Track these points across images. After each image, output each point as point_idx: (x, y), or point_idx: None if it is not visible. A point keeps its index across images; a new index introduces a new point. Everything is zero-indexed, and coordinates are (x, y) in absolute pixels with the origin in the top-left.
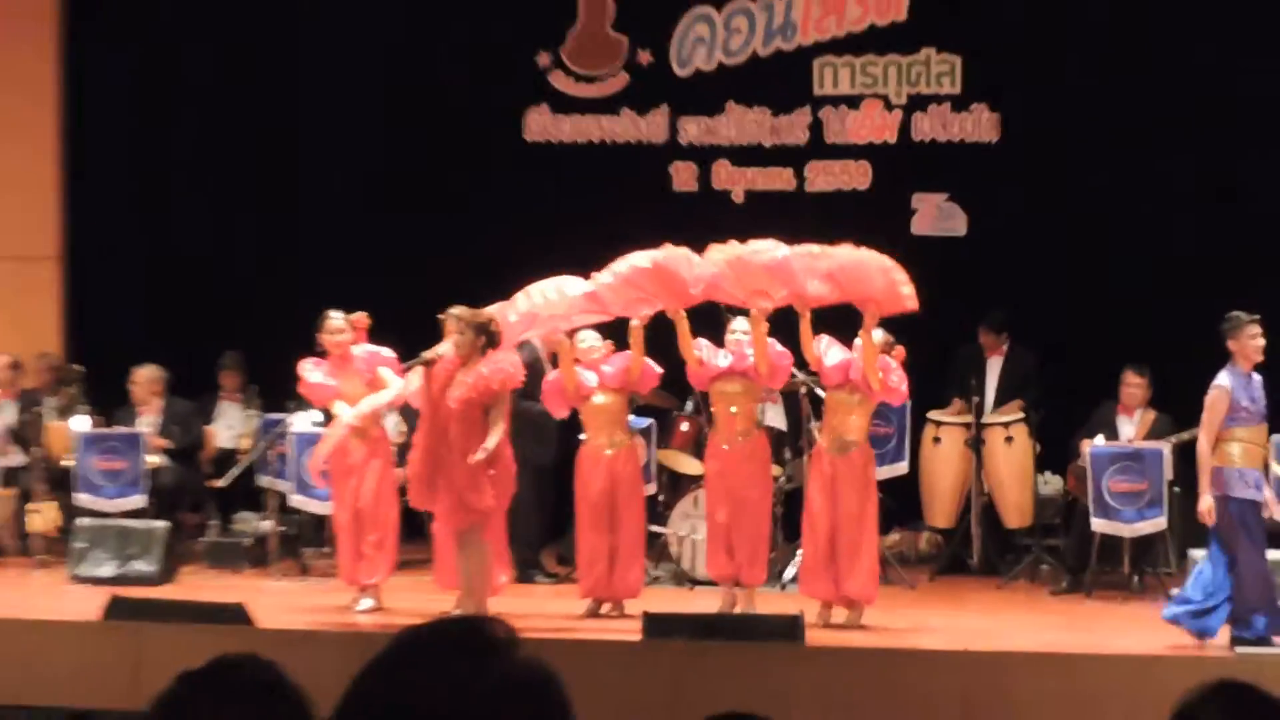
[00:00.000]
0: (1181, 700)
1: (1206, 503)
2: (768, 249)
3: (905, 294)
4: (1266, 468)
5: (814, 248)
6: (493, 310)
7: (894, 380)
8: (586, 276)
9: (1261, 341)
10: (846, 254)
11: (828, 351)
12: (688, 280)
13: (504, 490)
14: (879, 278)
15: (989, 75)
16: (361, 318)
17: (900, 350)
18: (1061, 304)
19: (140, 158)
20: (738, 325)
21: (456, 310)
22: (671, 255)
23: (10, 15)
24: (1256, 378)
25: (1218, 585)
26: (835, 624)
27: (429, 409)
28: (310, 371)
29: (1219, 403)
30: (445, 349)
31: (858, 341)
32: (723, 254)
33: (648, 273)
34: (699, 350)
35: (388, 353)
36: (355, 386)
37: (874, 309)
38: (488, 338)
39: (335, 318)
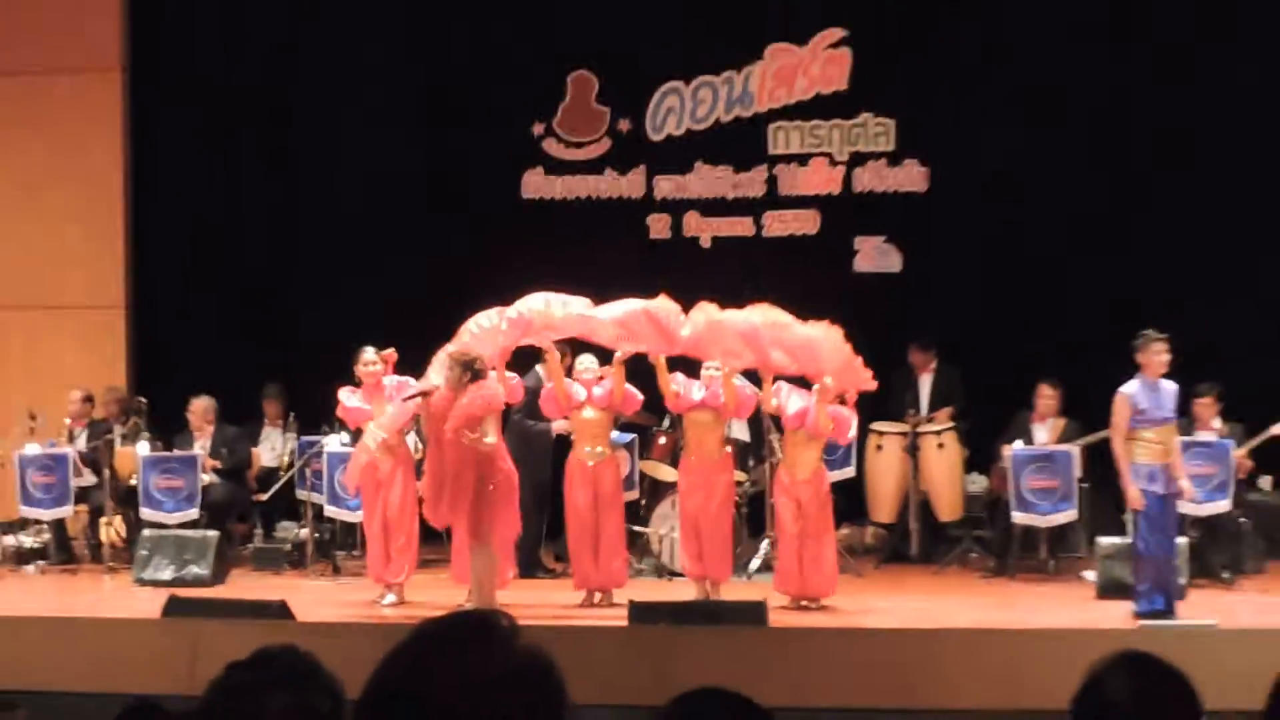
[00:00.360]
0: (1091, 668)
1: (1133, 492)
2: (743, 318)
3: (863, 376)
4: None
5: (784, 318)
6: (489, 315)
7: (845, 428)
8: None
9: (1166, 357)
10: (809, 332)
11: (789, 399)
12: (673, 334)
13: (508, 501)
14: (835, 357)
15: (919, 134)
16: (391, 353)
17: (853, 396)
18: (983, 327)
19: (196, 214)
20: (711, 362)
21: (449, 350)
22: (664, 308)
23: (78, 73)
24: (1166, 386)
25: None
26: (801, 606)
27: (432, 439)
28: (348, 398)
29: (1120, 407)
30: (437, 380)
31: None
32: (705, 315)
33: (641, 318)
34: (676, 385)
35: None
36: (385, 411)
37: (825, 389)
38: (473, 373)
39: (369, 352)
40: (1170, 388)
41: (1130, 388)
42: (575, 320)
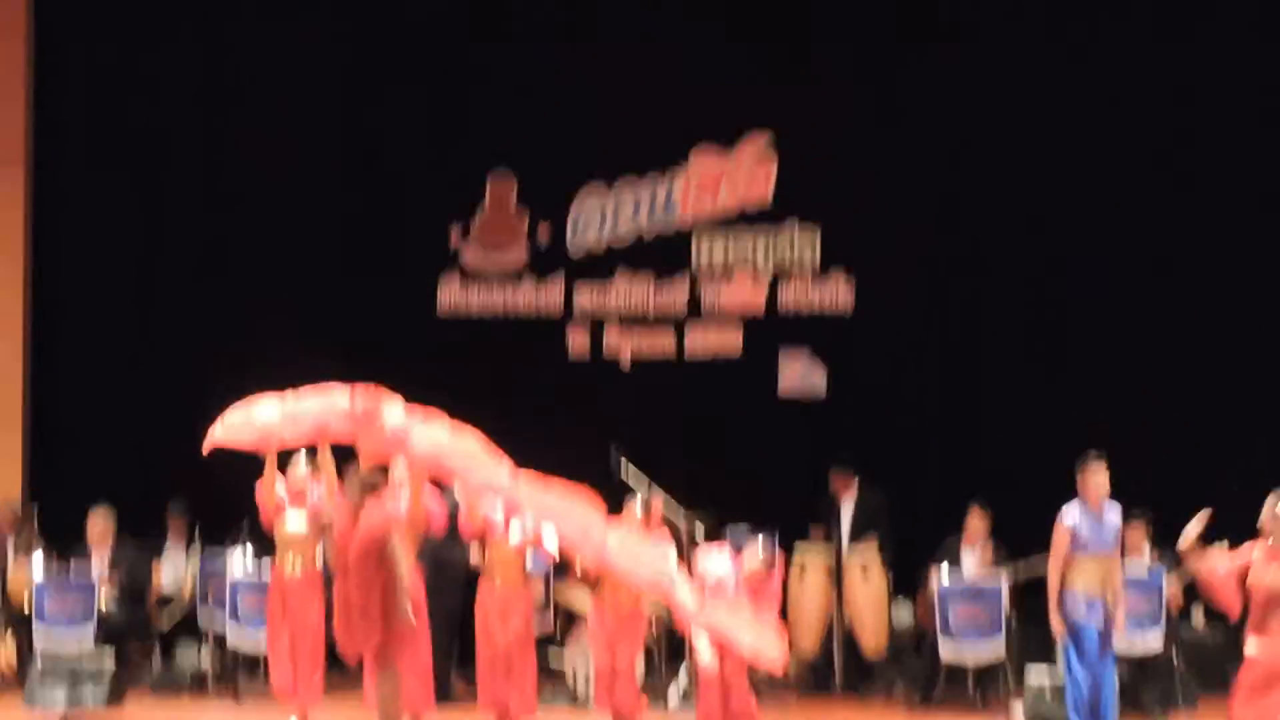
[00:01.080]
0: None
1: (1057, 621)
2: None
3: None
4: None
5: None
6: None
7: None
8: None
9: (1100, 478)
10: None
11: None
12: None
13: (416, 627)
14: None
15: (845, 243)
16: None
17: (780, 560)
18: (911, 449)
19: (100, 316)
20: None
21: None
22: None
23: None
24: (1110, 514)
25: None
26: None
27: (338, 570)
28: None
29: (1059, 536)
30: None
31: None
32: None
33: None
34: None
35: None
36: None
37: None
38: (369, 489)
39: (299, 464)
40: (1113, 516)
41: (1071, 516)
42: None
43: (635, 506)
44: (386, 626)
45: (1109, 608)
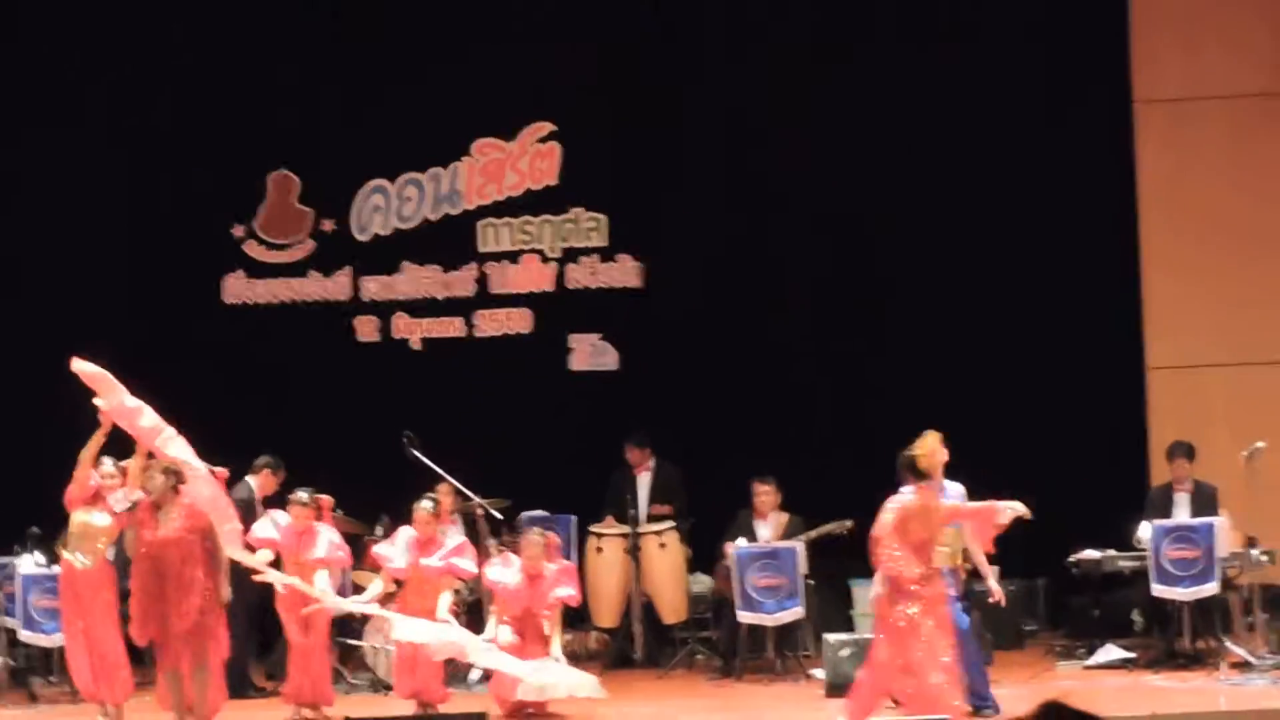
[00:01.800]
0: None
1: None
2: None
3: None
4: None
5: None
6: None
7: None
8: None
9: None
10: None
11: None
12: None
13: (223, 621)
14: None
15: (632, 229)
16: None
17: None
18: (703, 423)
19: None
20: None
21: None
22: None
23: None
24: (951, 488)
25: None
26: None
27: (143, 551)
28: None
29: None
30: (136, 495)
31: None
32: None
33: None
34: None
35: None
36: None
37: None
38: (176, 477)
39: (107, 464)
40: (954, 488)
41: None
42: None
43: (424, 505)
44: (201, 615)
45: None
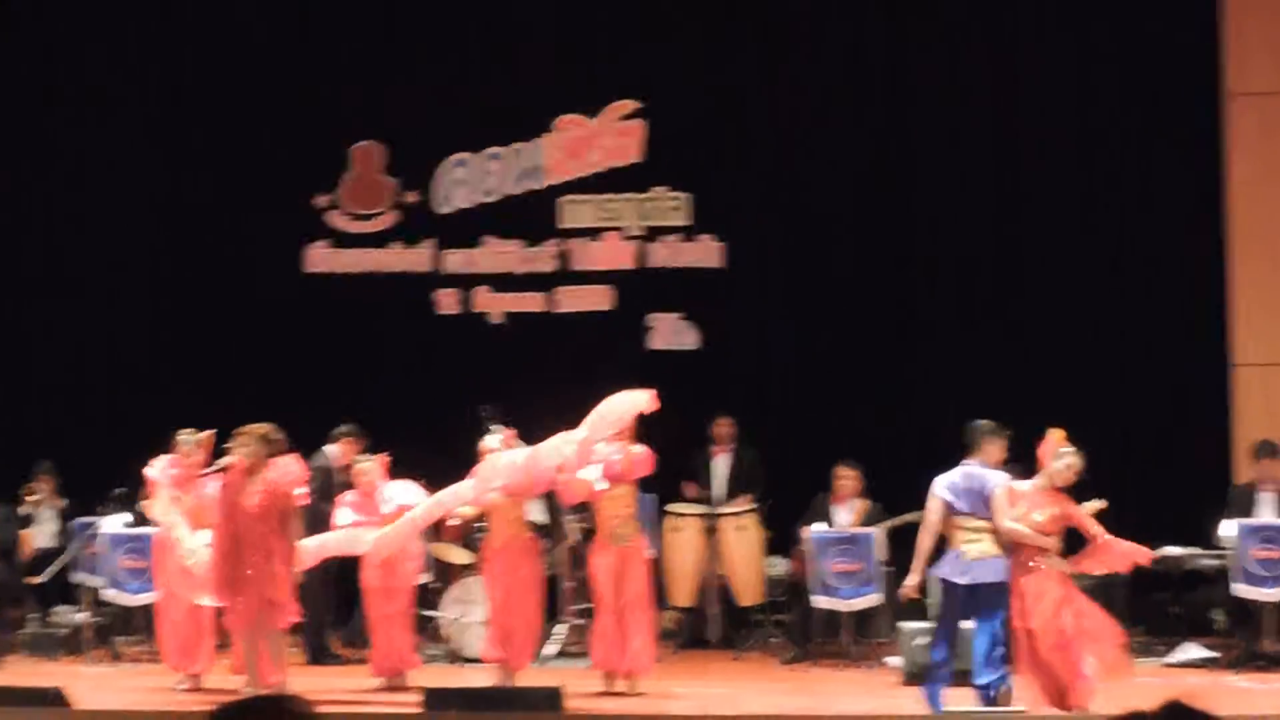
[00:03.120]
0: None
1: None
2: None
3: (630, 405)
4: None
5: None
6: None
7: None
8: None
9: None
10: (566, 443)
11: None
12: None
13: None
14: (613, 417)
15: (714, 208)
16: (208, 435)
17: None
18: (782, 406)
19: None
20: (489, 443)
21: (245, 429)
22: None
23: None
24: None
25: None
26: (616, 691)
27: (226, 515)
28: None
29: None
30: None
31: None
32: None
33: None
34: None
35: None
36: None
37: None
38: (270, 446)
39: (186, 440)
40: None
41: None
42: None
43: (492, 439)
44: (277, 581)
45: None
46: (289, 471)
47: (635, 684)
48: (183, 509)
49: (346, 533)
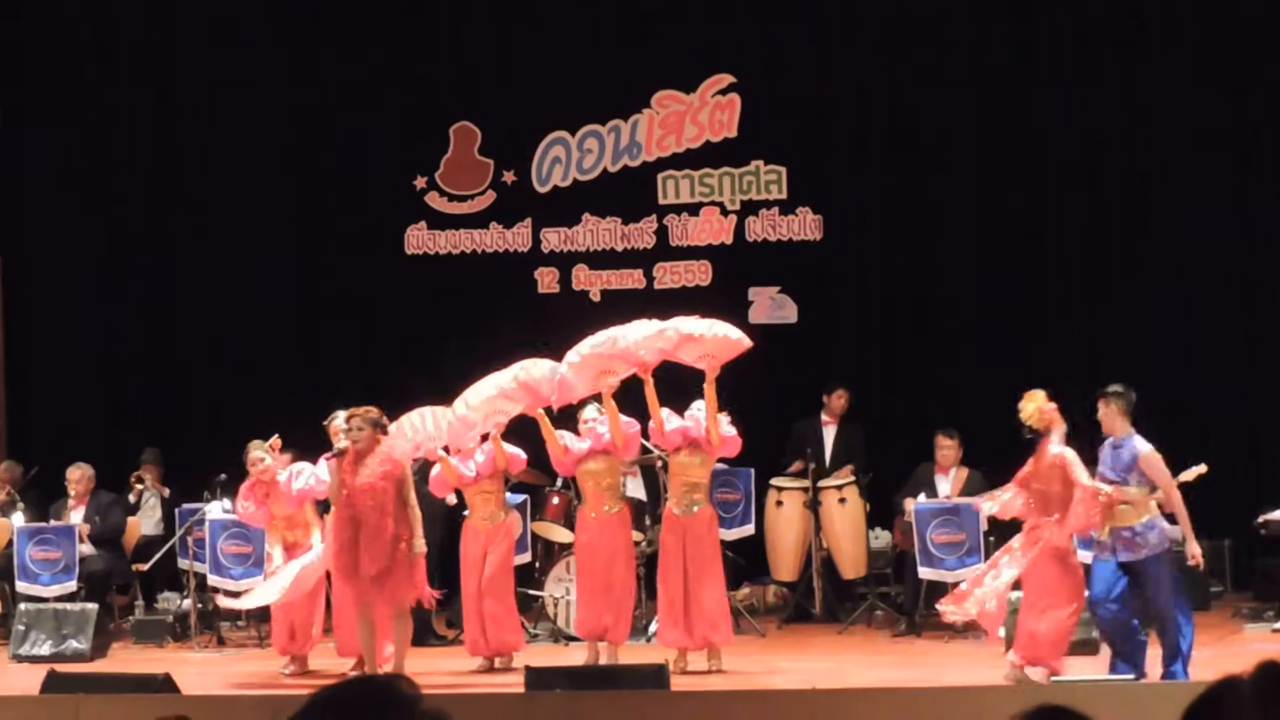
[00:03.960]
0: None
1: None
2: (606, 340)
3: (735, 337)
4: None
5: (648, 327)
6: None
7: (728, 430)
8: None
9: (1100, 413)
10: (676, 325)
11: (667, 420)
12: (545, 392)
13: (420, 567)
14: (707, 334)
15: (811, 182)
16: (276, 440)
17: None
18: (882, 377)
19: (71, 278)
20: (588, 413)
21: (356, 412)
22: (530, 372)
23: None
24: (1122, 444)
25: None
26: (693, 670)
27: (344, 499)
28: (244, 504)
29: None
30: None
31: (691, 410)
32: (575, 355)
33: (513, 389)
34: (562, 440)
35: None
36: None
37: (711, 362)
38: (380, 428)
39: (256, 450)
40: (1130, 449)
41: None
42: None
43: (590, 411)
44: (394, 563)
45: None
46: (401, 451)
47: (719, 658)
48: (270, 526)
49: None
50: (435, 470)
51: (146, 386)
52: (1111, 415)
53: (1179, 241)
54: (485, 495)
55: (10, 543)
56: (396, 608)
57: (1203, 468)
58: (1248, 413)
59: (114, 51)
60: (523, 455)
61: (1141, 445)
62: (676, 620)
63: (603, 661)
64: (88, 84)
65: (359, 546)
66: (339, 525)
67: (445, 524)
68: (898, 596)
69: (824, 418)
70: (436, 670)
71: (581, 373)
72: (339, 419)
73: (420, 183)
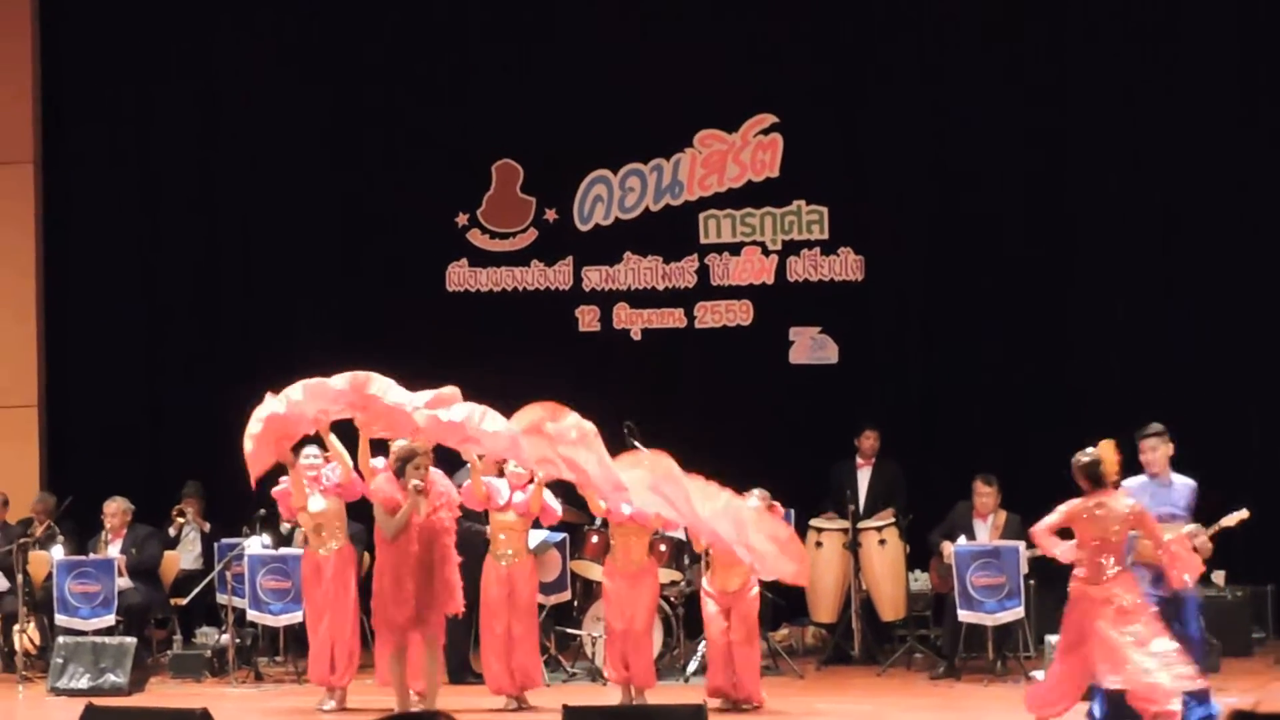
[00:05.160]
0: None
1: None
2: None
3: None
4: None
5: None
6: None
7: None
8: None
9: (1156, 453)
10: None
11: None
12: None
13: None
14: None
15: (853, 222)
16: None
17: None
18: (921, 418)
19: (112, 310)
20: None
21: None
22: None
23: None
24: (1178, 482)
25: None
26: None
27: (414, 534)
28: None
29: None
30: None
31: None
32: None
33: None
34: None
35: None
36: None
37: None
38: (431, 463)
39: (308, 453)
40: (1184, 484)
41: (1131, 483)
42: (504, 440)
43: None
44: (435, 600)
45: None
46: (449, 486)
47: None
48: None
49: None
50: (466, 482)
51: (187, 422)
52: (1165, 455)
53: (1220, 281)
54: (512, 532)
55: (49, 576)
56: (432, 642)
57: (1245, 512)
58: None
59: (156, 91)
60: (559, 512)
61: (1186, 478)
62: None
63: (635, 701)
64: (129, 125)
65: (416, 580)
66: (398, 559)
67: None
68: (937, 639)
69: (858, 460)
70: (471, 709)
71: (530, 450)
72: (309, 456)
73: (462, 220)
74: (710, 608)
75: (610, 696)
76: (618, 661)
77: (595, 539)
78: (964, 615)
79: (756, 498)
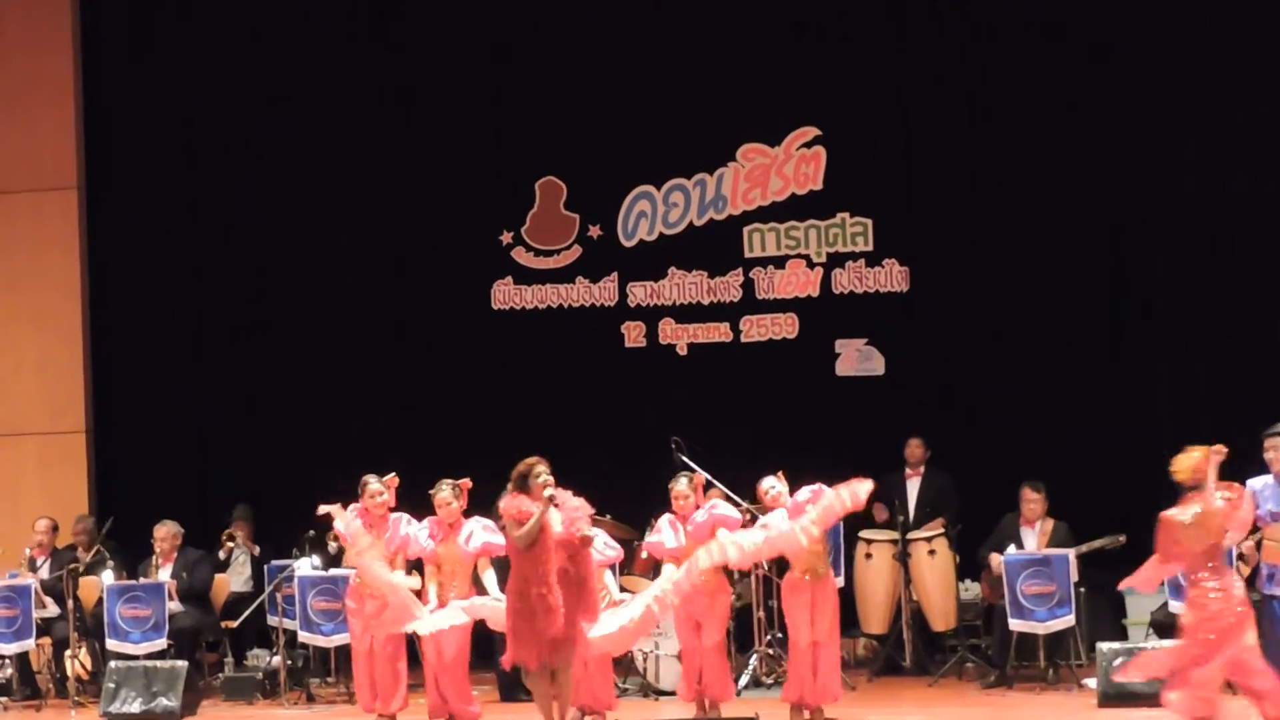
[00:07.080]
0: None
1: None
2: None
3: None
4: None
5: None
6: None
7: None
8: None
9: (1269, 455)
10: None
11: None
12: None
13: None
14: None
15: (897, 233)
16: (393, 478)
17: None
18: (969, 428)
19: (157, 334)
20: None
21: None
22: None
23: (37, 218)
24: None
25: None
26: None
27: (548, 549)
28: (348, 523)
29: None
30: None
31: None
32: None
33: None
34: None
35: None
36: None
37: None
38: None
39: (373, 483)
40: None
41: (1255, 483)
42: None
43: (682, 484)
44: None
45: None
46: (580, 501)
47: (821, 714)
48: (379, 553)
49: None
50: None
51: (235, 444)
52: None
53: (1269, 287)
54: None
55: (100, 601)
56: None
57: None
58: None
59: (199, 114)
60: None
61: None
62: (802, 679)
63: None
64: (172, 149)
65: (538, 596)
66: (537, 578)
67: None
68: (988, 648)
69: (906, 470)
70: None
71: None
72: (444, 490)
73: (506, 238)
74: (797, 618)
75: (663, 711)
76: (691, 677)
77: (645, 555)
78: (1015, 624)
79: (775, 479)
